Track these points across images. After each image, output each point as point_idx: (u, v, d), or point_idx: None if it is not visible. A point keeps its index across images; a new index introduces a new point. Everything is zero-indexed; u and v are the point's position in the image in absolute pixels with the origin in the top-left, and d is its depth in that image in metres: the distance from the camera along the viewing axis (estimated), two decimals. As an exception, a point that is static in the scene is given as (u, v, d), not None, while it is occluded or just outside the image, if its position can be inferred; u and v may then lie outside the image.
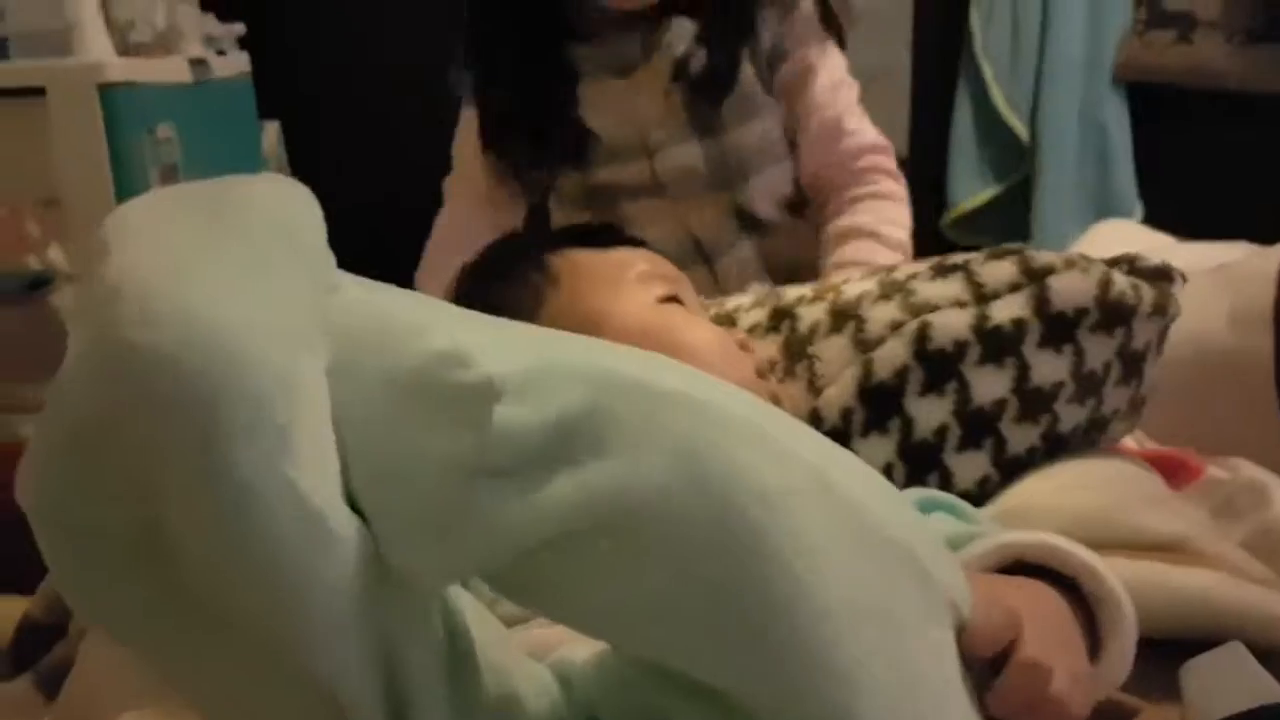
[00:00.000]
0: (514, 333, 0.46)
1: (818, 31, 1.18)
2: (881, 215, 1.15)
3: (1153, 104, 2.42)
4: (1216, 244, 1.30)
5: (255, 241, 0.43)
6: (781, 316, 0.84)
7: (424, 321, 0.43)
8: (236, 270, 0.41)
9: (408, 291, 0.46)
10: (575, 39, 1.13)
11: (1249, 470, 0.87)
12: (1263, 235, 1.25)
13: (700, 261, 1.17)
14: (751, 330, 0.84)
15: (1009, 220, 2.42)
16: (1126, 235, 1.52)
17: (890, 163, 1.19)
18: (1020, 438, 0.75)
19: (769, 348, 0.82)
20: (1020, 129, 2.41)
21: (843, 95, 1.18)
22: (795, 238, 1.20)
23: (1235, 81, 2.27)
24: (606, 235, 0.86)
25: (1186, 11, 2.33)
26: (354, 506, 0.42)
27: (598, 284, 0.79)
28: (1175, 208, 2.15)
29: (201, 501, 0.39)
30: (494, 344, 0.43)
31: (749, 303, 0.89)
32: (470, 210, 1.22)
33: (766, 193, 1.17)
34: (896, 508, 0.46)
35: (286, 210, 0.45)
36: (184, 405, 0.38)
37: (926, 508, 0.66)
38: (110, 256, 0.41)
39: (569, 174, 1.18)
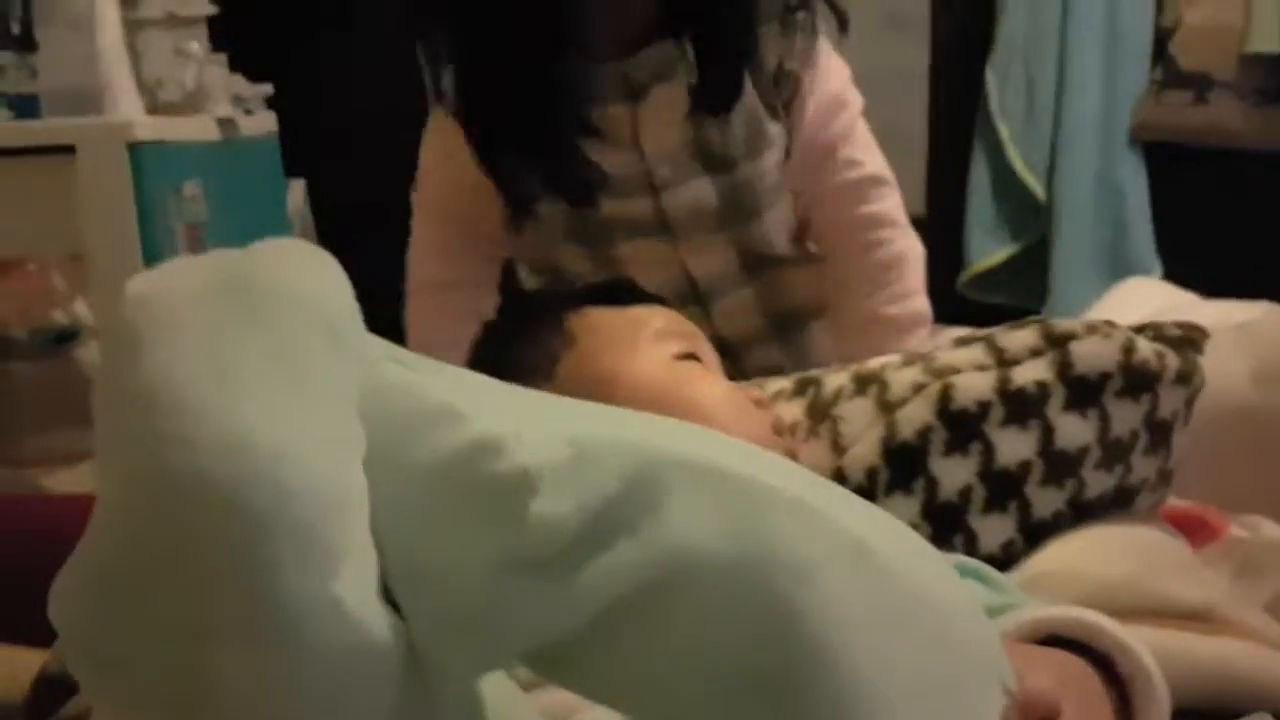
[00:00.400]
0: (547, 411, 0.46)
1: (821, 46, 1.09)
2: (898, 291, 1.10)
3: (1169, 164, 2.43)
4: (1239, 303, 1.30)
5: (294, 337, 0.41)
6: (806, 383, 0.85)
7: (457, 405, 0.42)
8: (279, 378, 0.40)
9: (440, 365, 0.46)
10: (582, 57, 1.02)
11: (1270, 529, 0.87)
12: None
13: (695, 303, 1.11)
14: (776, 396, 0.85)
15: (1026, 279, 2.43)
16: (1151, 293, 1.52)
17: (893, 201, 1.11)
18: (1046, 502, 0.75)
19: (793, 410, 0.83)
20: (1037, 188, 2.42)
21: (840, 119, 1.10)
22: (795, 278, 1.14)
23: (1251, 141, 2.28)
24: (624, 293, 0.87)
25: (1202, 72, 2.35)
26: (388, 597, 0.41)
27: (612, 342, 0.79)
28: (1194, 267, 2.16)
29: (248, 634, 0.38)
30: (528, 428, 0.42)
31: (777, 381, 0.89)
32: (443, 228, 1.12)
33: (781, 227, 1.11)
34: (939, 577, 0.46)
35: (319, 290, 0.44)
36: (234, 539, 0.37)
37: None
38: (143, 353, 0.40)
39: (549, 202, 1.07)
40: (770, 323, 1.15)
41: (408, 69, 2.74)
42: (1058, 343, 0.78)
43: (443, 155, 1.10)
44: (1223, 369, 1.02)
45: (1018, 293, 2.38)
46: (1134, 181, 2.43)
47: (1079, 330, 0.78)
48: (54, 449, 1.95)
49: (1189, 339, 0.81)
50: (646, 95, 1.02)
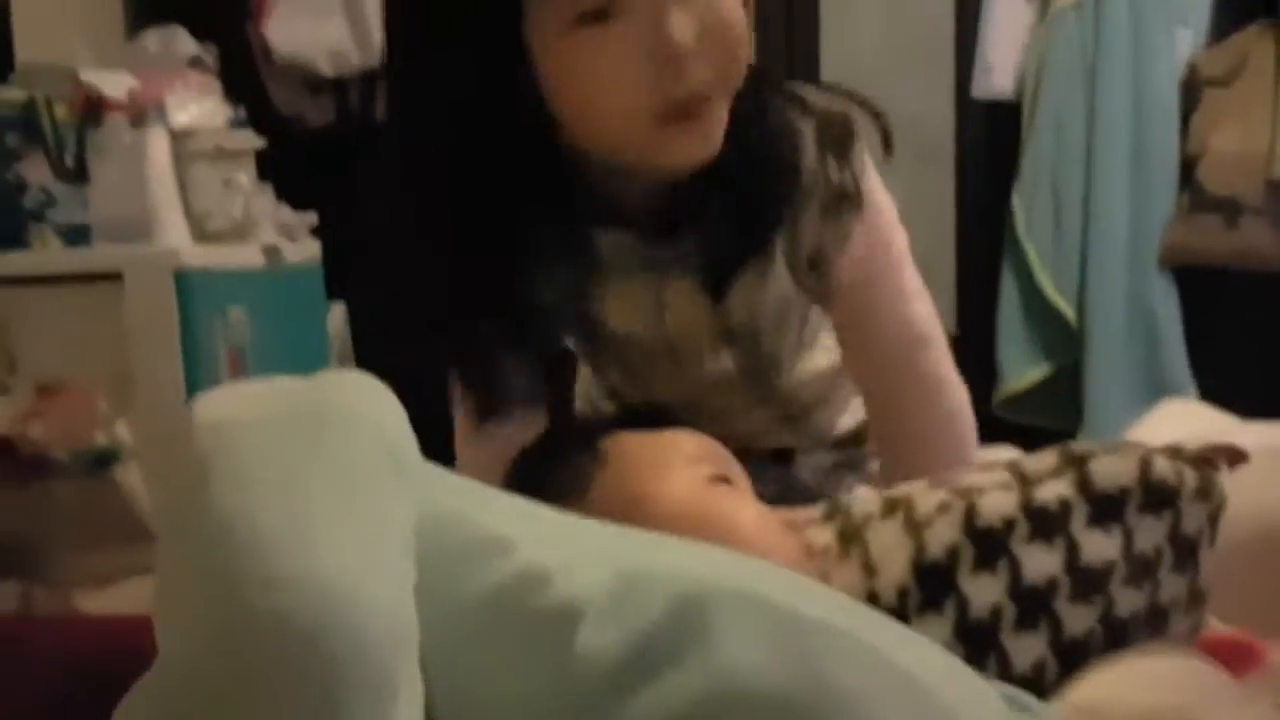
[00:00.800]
0: (594, 540, 0.46)
1: (869, 185, 0.96)
2: (954, 456, 1.04)
3: (1201, 286, 2.45)
4: (1242, 423, 1.30)
5: (359, 467, 0.43)
6: (835, 509, 0.85)
7: (507, 535, 0.43)
8: (348, 511, 0.41)
9: (489, 491, 0.46)
10: (597, 222, 0.91)
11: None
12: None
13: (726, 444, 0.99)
14: (807, 523, 0.85)
15: (1061, 400, 2.43)
16: (1190, 415, 1.52)
17: (939, 350, 1.05)
18: (1076, 620, 0.75)
19: (823, 535, 0.83)
20: (1068, 311, 2.44)
21: (919, 310, 1.02)
22: (836, 419, 1.11)
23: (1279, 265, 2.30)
24: (657, 418, 0.88)
25: (1230, 197, 2.38)
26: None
27: (644, 465, 0.80)
28: (1228, 389, 2.15)
29: None
30: (575, 558, 0.43)
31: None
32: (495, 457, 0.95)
33: (811, 381, 1.06)
34: (987, 709, 0.45)
35: (380, 419, 0.45)
36: (312, 678, 0.38)
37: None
38: (214, 485, 0.41)
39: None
40: (782, 421, 1.09)
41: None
42: (1076, 462, 0.79)
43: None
44: (1262, 492, 1.01)
45: (1053, 414, 2.38)
46: (1165, 303, 2.44)
47: (1096, 450, 0.79)
48: (92, 570, 1.96)
49: (1206, 458, 0.82)
50: (671, 273, 0.93)
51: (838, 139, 0.93)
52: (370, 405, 0.46)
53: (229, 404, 0.45)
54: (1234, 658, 0.83)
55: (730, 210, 0.90)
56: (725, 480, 0.81)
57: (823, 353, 1.06)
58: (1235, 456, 1.15)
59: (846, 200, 0.94)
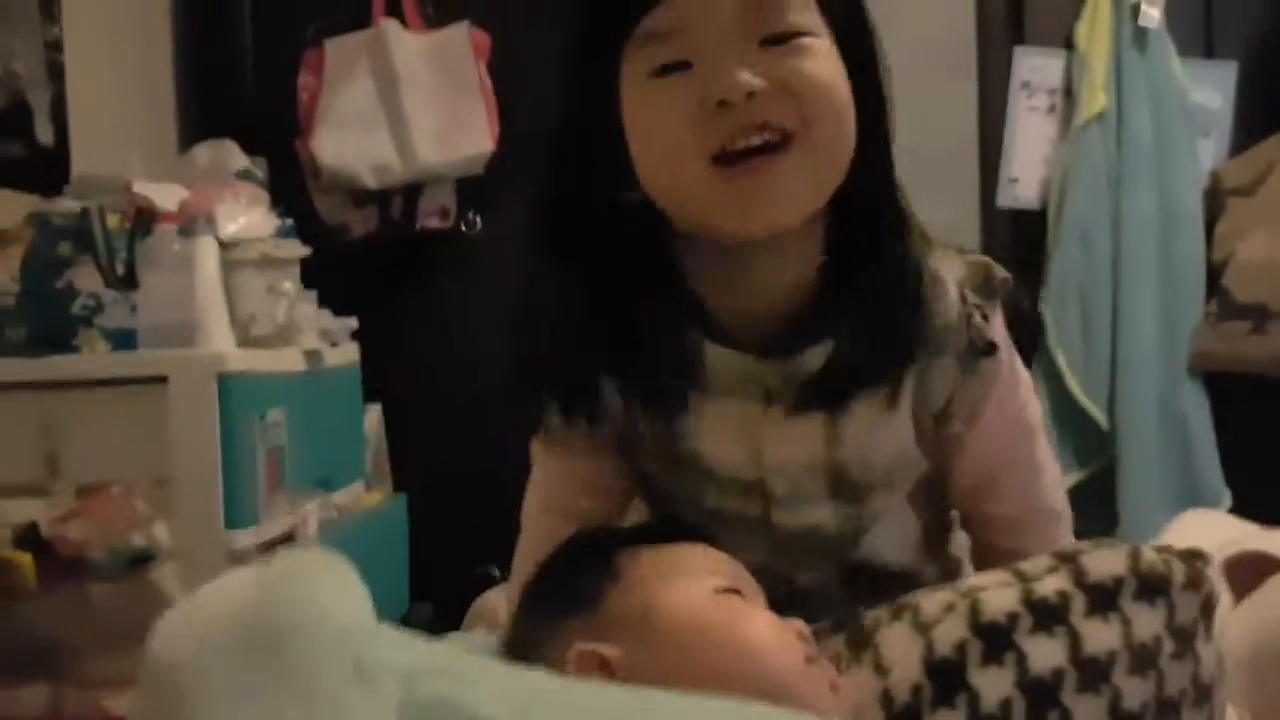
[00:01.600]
0: (589, 709, 0.47)
1: (1003, 365, 0.89)
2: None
3: (1232, 392, 2.44)
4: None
5: (325, 690, 0.45)
6: (840, 625, 0.87)
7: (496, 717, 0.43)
8: None
9: (480, 662, 0.47)
10: (708, 335, 0.85)
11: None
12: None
13: (782, 604, 0.88)
14: (816, 634, 0.86)
15: (1094, 507, 2.41)
16: (1212, 524, 1.52)
17: (1064, 535, 0.99)
18: (1086, 712, 0.76)
19: (833, 644, 0.85)
20: (1099, 416, 2.44)
21: (1022, 443, 0.93)
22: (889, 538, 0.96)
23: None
24: (673, 531, 0.88)
25: (1259, 304, 2.38)
26: None
27: (655, 578, 0.81)
28: (1264, 496, 2.13)
29: None
30: None
31: None
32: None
33: (894, 543, 0.95)
34: None
35: (340, 623, 0.46)
36: None
37: None
38: None
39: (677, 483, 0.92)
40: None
41: (480, 301, 2.87)
42: (1068, 559, 0.82)
43: (564, 469, 0.96)
44: None
45: (1087, 520, 2.35)
46: (1197, 410, 2.44)
47: (1086, 547, 0.83)
48: (122, 671, 1.97)
49: (1195, 553, 0.84)
50: (776, 402, 0.85)
51: (984, 288, 0.88)
52: (327, 604, 0.47)
53: (183, 641, 0.47)
54: None
55: (859, 328, 0.82)
56: (736, 591, 0.82)
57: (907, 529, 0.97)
58: (1267, 564, 1.15)
59: (986, 354, 0.87)
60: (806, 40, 0.79)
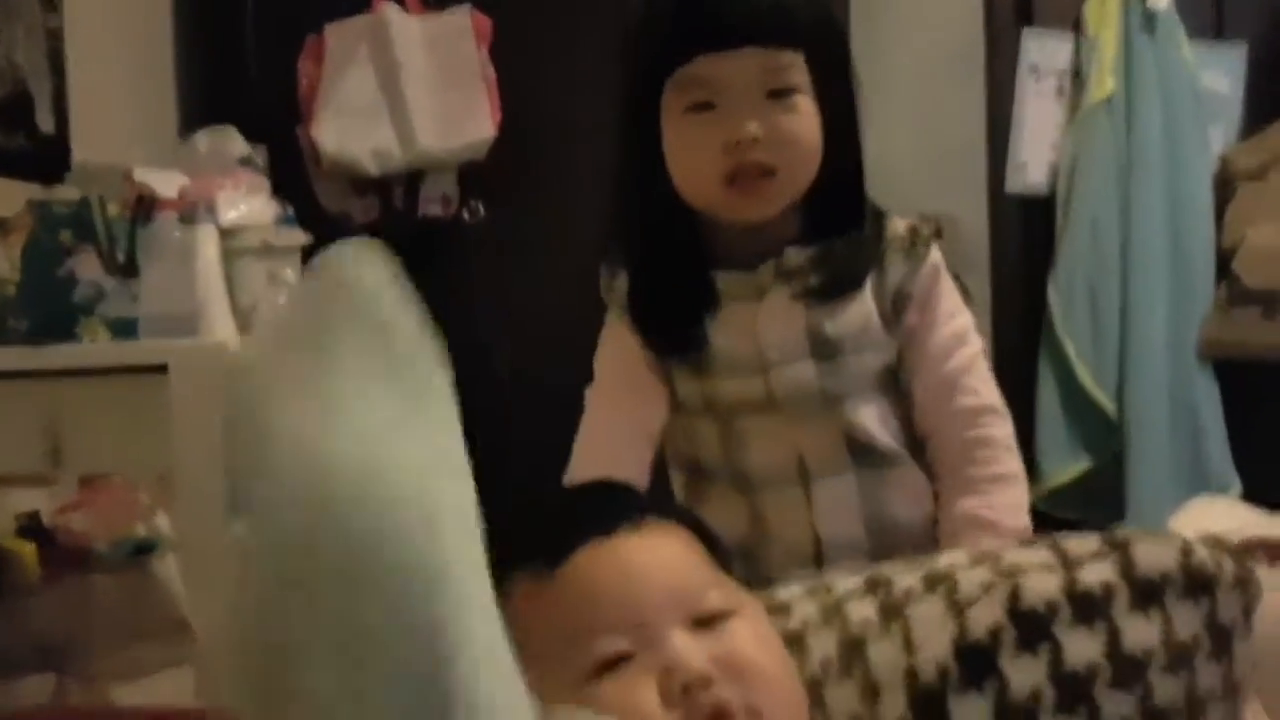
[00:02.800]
0: None
1: (946, 284, 1.22)
2: (995, 501, 1.15)
3: (1242, 379, 2.43)
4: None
5: (402, 356, 0.53)
6: (876, 583, 0.85)
7: None
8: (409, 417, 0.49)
9: None
10: (718, 264, 1.19)
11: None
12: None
13: (799, 484, 1.18)
14: (848, 595, 0.84)
15: (1103, 494, 2.40)
16: (1220, 512, 1.51)
17: (1004, 431, 1.20)
18: (1115, 708, 0.75)
19: (864, 609, 0.82)
20: (1108, 405, 2.42)
21: (963, 353, 1.21)
22: (904, 487, 1.19)
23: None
24: (612, 493, 0.87)
25: (1269, 289, 2.37)
26: None
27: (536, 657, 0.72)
28: (1274, 482, 2.12)
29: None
30: None
31: (800, 592, 0.88)
32: (610, 414, 1.24)
33: (878, 420, 1.19)
34: None
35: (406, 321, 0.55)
36: (398, 569, 0.45)
37: None
38: (267, 408, 0.50)
39: (688, 382, 1.21)
40: (868, 531, 1.18)
41: (489, 285, 2.86)
42: (1118, 546, 0.80)
43: (616, 355, 1.25)
44: None
45: (1095, 508, 2.35)
46: (1207, 397, 2.42)
47: (1136, 534, 0.80)
48: (127, 662, 1.97)
49: (1245, 549, 0.82)
50: (767, 294, 1.19)
51: (922, 226, 1.24)
52: (398, 307, 0.56)
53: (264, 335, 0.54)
54: None
55: (834, 248, 1.19)
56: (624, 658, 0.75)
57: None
58: (1276, 550, 1.14)
59: (926, 246, 1.22)
60: (796, 98, 1.15)
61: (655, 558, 0.78)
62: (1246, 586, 0.80)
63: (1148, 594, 0.77)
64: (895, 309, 1.19)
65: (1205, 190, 2.47)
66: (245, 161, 2.28)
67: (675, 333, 1.19)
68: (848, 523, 1.17)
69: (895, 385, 1.21)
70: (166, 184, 2.08)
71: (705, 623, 0.80)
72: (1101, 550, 0.80)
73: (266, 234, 2.18)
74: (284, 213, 2.27)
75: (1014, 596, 0.77)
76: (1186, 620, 0.77)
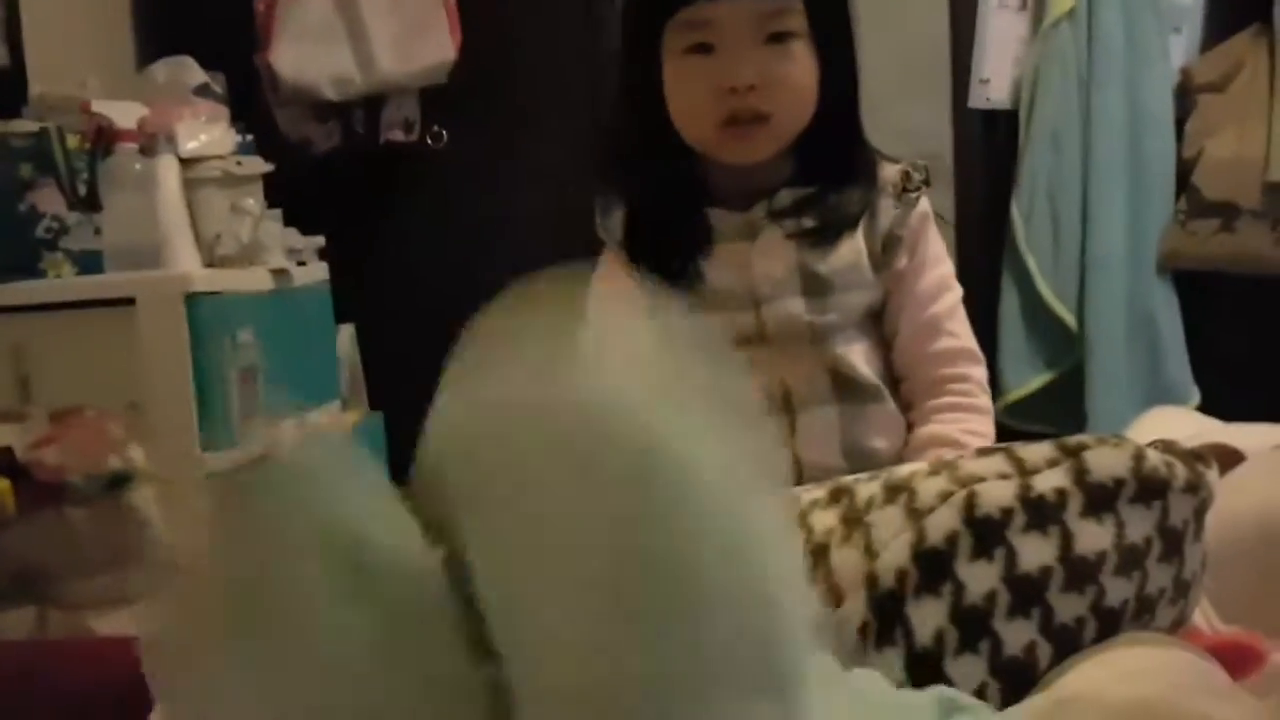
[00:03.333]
0: None
1: (933, 231, 1.26)
2: (963, 426, 1.21)
3: (1200, 291, 2.46)
4: (1268, 426, 1.31)
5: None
6: (840, 492, 0.87)
7: None
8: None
9: None
10: (714, 202, 1.22)
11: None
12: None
13: (785, 413, 1.21)
14: (812, 505, 0.87)
15: (1064, 406, 2.44)
16: (1175, 421, 1.53)
17: (979, 373, 1.25)
18: (1068, 608, 0.77)
19: (827, 518, 0.85)
20: (1068, 318, 2.45)
21: (946, 298, 1.25)
22: (881, 420, 1.23)
23: (1277, 267, 2.31)
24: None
25: (1228, 201, 2.39)
26: None
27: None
28: (1229, 392, 2.16)
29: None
30: None
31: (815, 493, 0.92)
32: None
33: (862, 356, 1.23)
34: None
35: None
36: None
37: (947, 710, 0.67)
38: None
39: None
40: (846, 459, 1.21)
41: (447, 221, 2.85)
42: (1072, 452, 0.81)
43: (611, 284, 1.25)
44: (1266, 489, 1.03)
45: (1055, 420, 2.39)
46: (1166, 309, 2.45)
47: (1091, 442, 0.81)
48: (106, 592, 1.98)
49: (1197, 454, 0.84)
50: (761, 233, 1.21)
51: (913, 172, 1.25)
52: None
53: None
54: (1235, 659, 0.85)
55: (827, 192, 1.21)
56: None
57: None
58: (1229, 457, 1.17)
59: (915, 192, 1.24)
60: (794, 44, 1.17)
61: None
62: (1198, 490, 0.82)
63: (1100, 499, 0.78)
64: (885, 251, 1.22)
65: (1166, 102, 2.48)
66: (203, 90, 2.26)
67: (671, 268, 1.22)
68: (828, 452, 1.21)
69: (877, 325, 1.25)
70: (125, 115, 2.06)
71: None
72: (1056, 458, 0.81)
73: (227, 163, 2.16)
74: (244, 141, 2.25)
75: (970, 504, 0.79)
76: (1138, 524, 0.79)
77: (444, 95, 2.61)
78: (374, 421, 2.53)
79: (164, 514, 1.99)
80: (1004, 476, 0.81)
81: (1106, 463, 0.80)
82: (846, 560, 0.81)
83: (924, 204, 1.25)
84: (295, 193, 2.36)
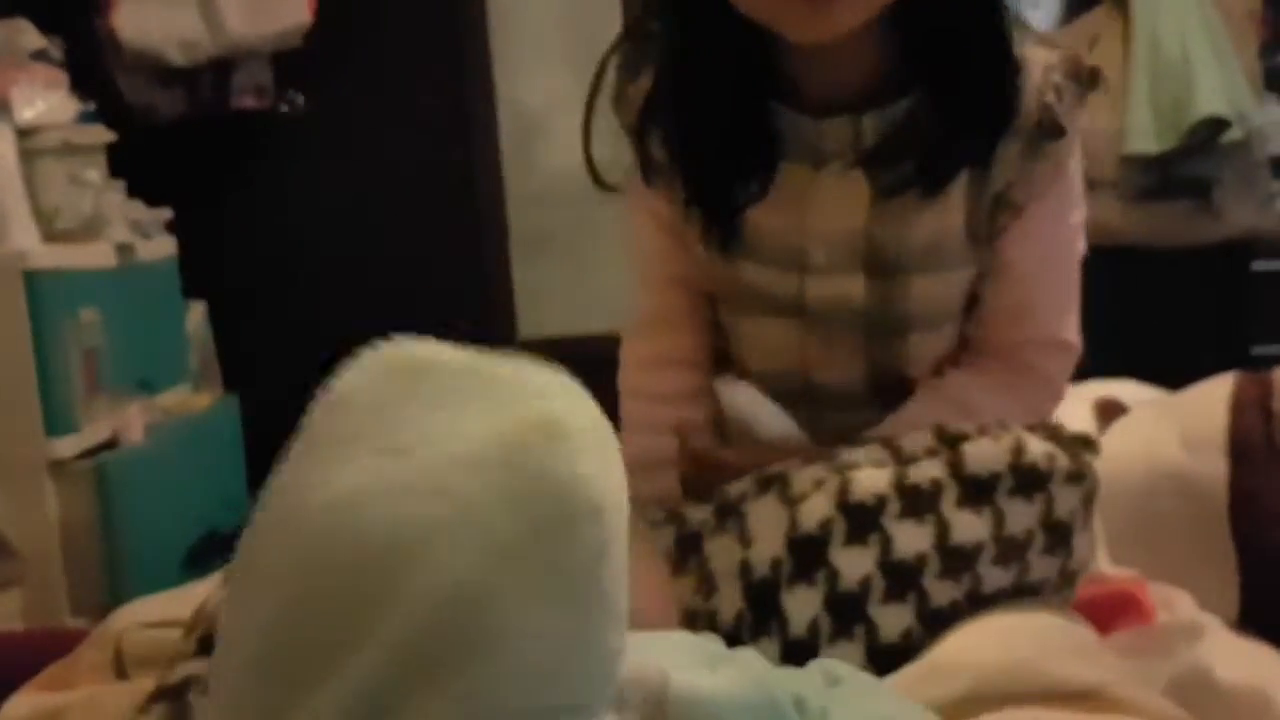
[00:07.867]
0: None
1: (1073, 165, 0.91)
2: (990, 402, 0.94)
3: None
4: (1106, 381, 1.34)
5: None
6: (719, 502, 0.86)
7: None
8: None
9: None
10: (785, 102, 0.92)
11: (1185, 608, 0.89)
12: (1170, 378, 1.29)
13: (806, 407, 0.99)
14: (678, 514, 0.86)
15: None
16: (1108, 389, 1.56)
17: (1058, 365, 0.96)
18: (942, 594, 0.77)
19: (700, 512, 0.84)
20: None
21: (1053, 272, 0.95)
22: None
23: (1130, 238, 2.38)
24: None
25: (1085, 174, 2.45)
26: None
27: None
28: (1087, 356, 2.22)
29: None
30: None
31: None
32: (670, 311, 1.02)
33: (926, 354, 0.96)
34: None
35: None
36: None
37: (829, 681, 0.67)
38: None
39: (716, 257, 0.96)
40: None
41: (310, 192, 2.77)
42: (950, 443, 0.81)
43: (649, 219, 1.00)
44: (1150, 436, 1.06)
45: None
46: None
47: (971, 432, 0.81)
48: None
49: (1084, 440, 0.84)
50: (827, 164, 0.91)
51: (1073, 75, 0.89)
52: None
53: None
54: (1116, 610, 0.86)
55: (926, 120, 0.88)
56: None
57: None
58: (1112, 409, 1.19)
59: (1052, 136, 0.88)
60: None
61: None
62: (1082, 479, 0.82)
63: (976, 491, 0.78)
64: (993, 216, 0.91)
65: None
66: (40, 55, 2.16)
67: (726, 190, 0.92)
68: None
69: (961, 304, 0.96)
70: (-47, 80, 1.95)
71: None
72: (934, 448, 0.81)
73: (67, 132, 2.09)
74: (85, 109, 2.17)
75: (843, 490, 0.78)
76: (1019, 516, 0.79)
77: (299, 59, 2.52)
78: (229, 404, 2.44)
79: (3, 498, 1.91)
80: (879, 464, 0.81)
81: (983, 456, 0.79)
82: (719, 549, 0.80)
83: (1064, 146, 0.89)
84: (140, 163, 2.27)
